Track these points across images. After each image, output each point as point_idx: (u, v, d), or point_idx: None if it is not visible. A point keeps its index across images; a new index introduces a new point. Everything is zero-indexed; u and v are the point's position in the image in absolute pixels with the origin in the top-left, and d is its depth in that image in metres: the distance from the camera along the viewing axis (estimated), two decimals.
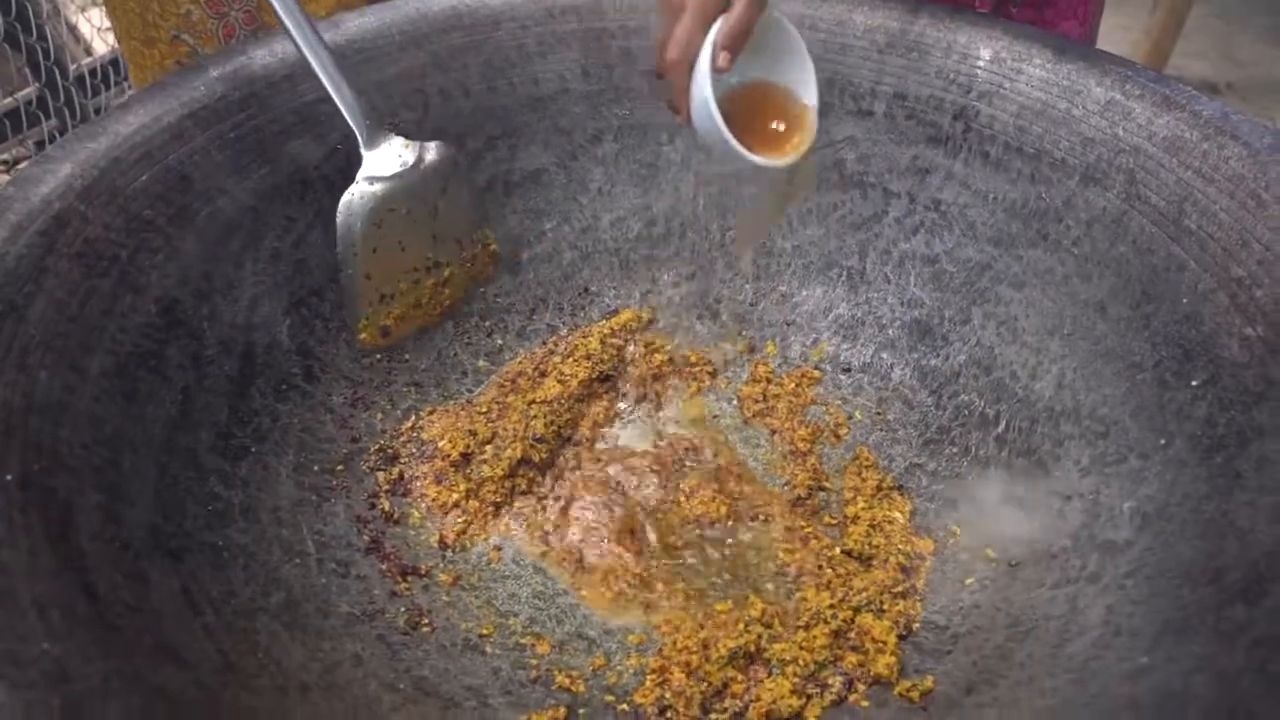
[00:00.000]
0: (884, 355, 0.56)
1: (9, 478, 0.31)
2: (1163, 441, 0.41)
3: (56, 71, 1.13)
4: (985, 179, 0.53)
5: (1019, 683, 0.36)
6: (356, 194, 0.48)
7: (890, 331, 0.56)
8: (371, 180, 0.48)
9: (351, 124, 0.48)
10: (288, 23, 0.46)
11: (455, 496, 0.48)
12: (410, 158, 0.50)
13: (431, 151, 0.50)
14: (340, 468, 0.47)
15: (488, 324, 0.57)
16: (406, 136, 0.50)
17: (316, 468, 0.46)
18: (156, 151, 0.45)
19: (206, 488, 0.40)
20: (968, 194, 0.54)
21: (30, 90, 1.22)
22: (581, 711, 0.40)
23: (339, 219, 0.48)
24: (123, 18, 0.69)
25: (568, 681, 0.41)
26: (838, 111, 0.58)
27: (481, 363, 0.56)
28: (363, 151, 0.48)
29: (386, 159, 0.49)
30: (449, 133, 0.56)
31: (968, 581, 0.44)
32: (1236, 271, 0.42)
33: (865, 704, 0.39)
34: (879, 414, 0.53)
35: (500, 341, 0.57)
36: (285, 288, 0.49)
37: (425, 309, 0.53)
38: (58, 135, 1.17)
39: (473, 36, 0.57)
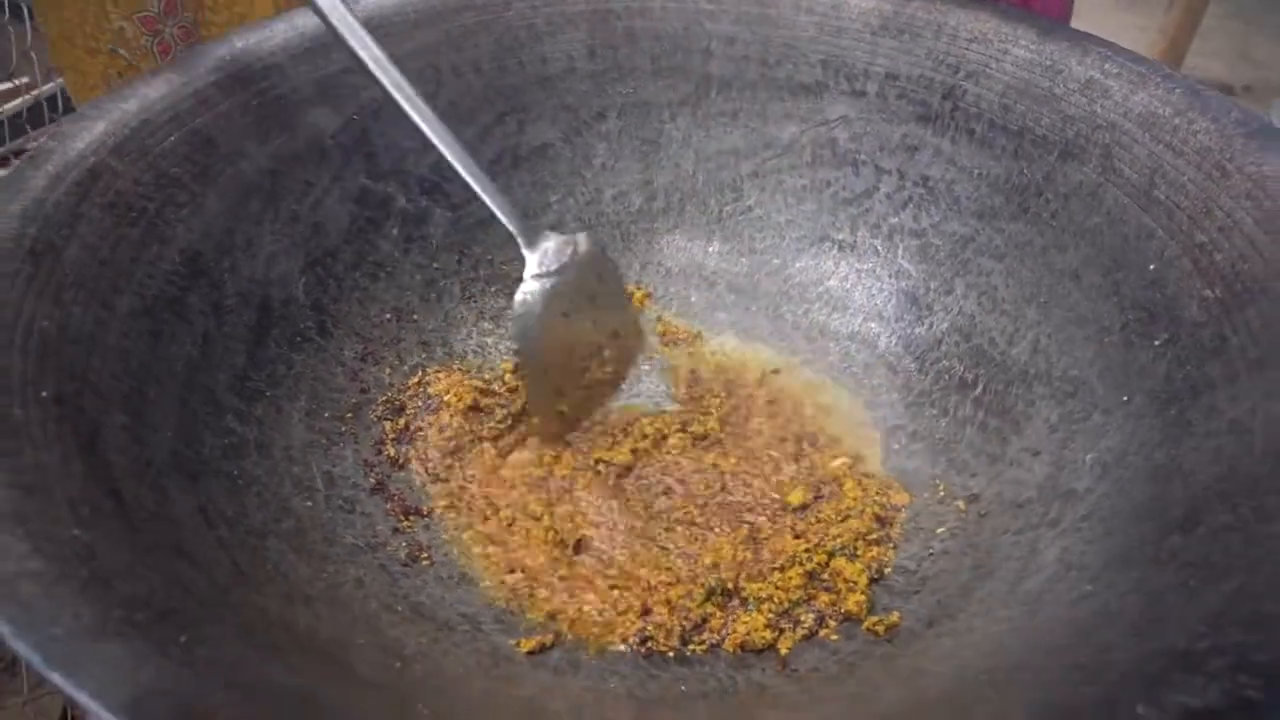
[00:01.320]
0: (871, 325, 0.58)
1: (45, 394, 0.34)
2: (1125, 398, 0.43)
3: None
4: (971, 155, 0.56)
5: (976, 614, 0.39)
6: (529, 293, 0.51)
7: (878, 301, 0.58)
8: (539, 277, 0.51)
9: (510, 228, 0.52)
10: (431, 134, 0.49)
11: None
12: (568, 252, 0.53)
13: (584, 242, 0.53)
14: (349, 415, 0.50)
15: (494, 289, 0.60)
16: (556, 230, 0.54)
17: (327, 414, 0.49)
18: (184, 115, 0.48)
19: (223, 423, 0.43)
20: (954, 170, 0.56)
21: (50, 87, 1.27)
22: (568, 638, 0.42)
23: (517, 321, 0.51)
24: (62, 26, 0.69)
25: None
26: (832, 91, 0.60)
27: (487, 324, 0.58)
28: (524, 252, 0.52)
29: (548, 256, 0.52)
30: (461, 107, 0.59)
31: (939, 530, 0.46)
32: (1199, 238, 0.44)
33: (835, 638, 0.42)
34: (864, 380, 0.56)
35: (505, 305, 0.60)
36: (302, 248, 0.52)
37: (593, 391, 0.55)
38: None
39: (484, 16, 0.59)
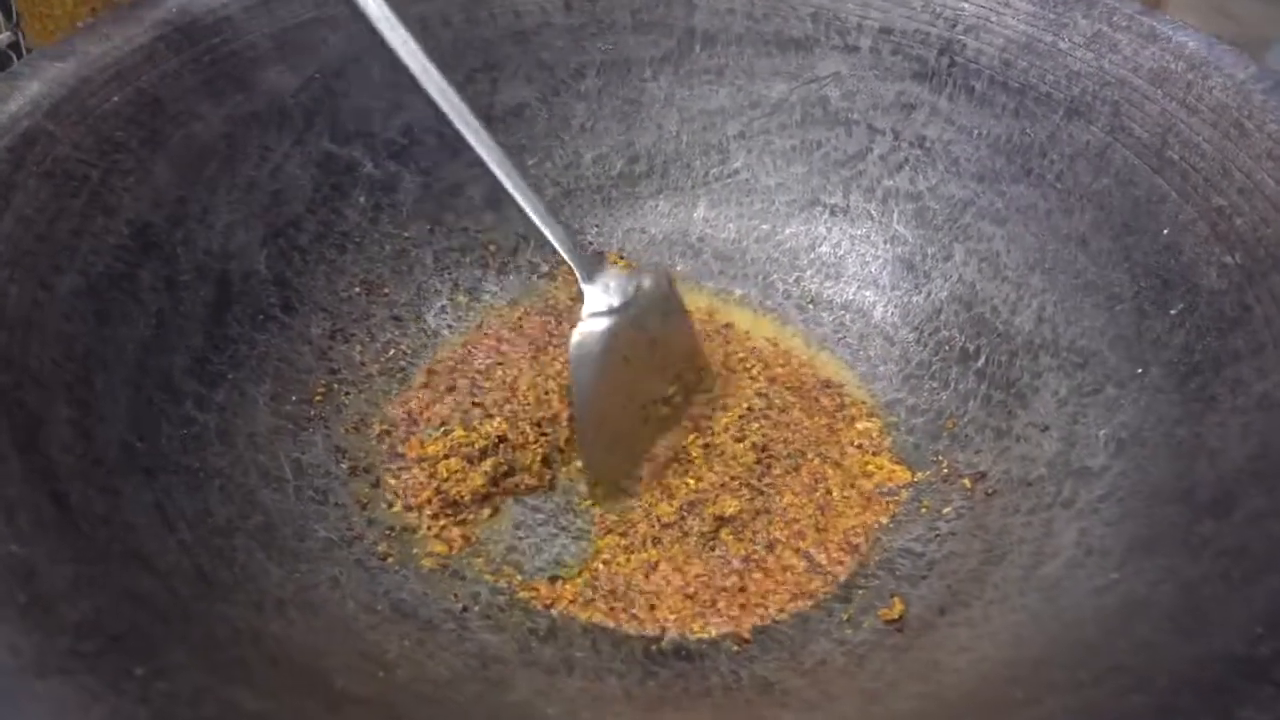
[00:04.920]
0: (866, 293, 0.56)
1: None
2: (1139, 370, 0.41)
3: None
4: (970, 114, 0.53)
5: (991, 602, 0.37)
6: (586, 332, 0.44)
7: (873, 269, 0.56)
8: (597, 315, 0.45)
9: (567, 259, 0.46)
10: (489, 159, 0.44)
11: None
12: (631, 287, 0.46)
13: (648, 277, 0.47)
14: (319, 398, 0.47)
15: (469, 259, 0.56)
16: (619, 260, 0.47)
17: (295, 397, 0.46)
18: (127, 73, 0.44)
19: (182, 411, 0.40)
20: (952, 130, 0.54)
21: (5, 36, 1.20)
22: (560, 631, 0.40)
23: (573, 363, 0.44)
24: None
25: (546, 604, 0.41)
26: (823, 46, 0.57)
27: (461, 298, 0.55)
28: (582, 286, 0.45)
29: (608, 291, 0.45)
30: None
31: (945, 510, 0.44)
32: (1217, 201, 0.42)
33: (847, 621, 0.40)
34: (860, 351, 0.53)
35: (480, 275, 0.56)
36: (262, 218, 0.49)
37: (648, 438, 0.48)
38: None
39: None
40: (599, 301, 0.45)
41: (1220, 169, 0.42)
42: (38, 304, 0.35)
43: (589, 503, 0.45)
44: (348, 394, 0.48)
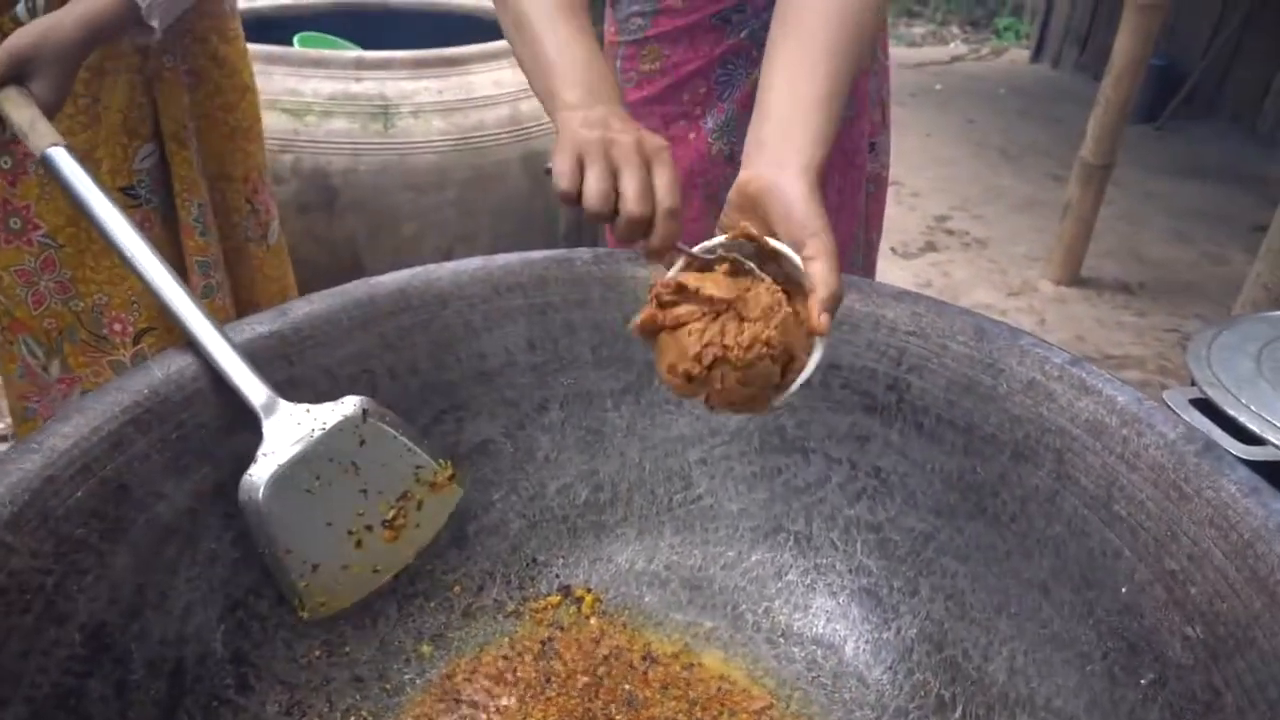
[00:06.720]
0: (837, 626, 0.55)
1: None
2: None
3: None
4: (921, 449, 0.55)
5: None
6: (255, 472, 0.46)
7: (841, 600, 0.56)
8: (269, 454, 0.47)
9: (245, 394, 0.47)
10: (169, 299, 0.49)
11: None
12: (312, 423, 0.48)
13: (337, 410, 0.49)
14: None
15: (433, 604, 0.56)
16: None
17: None
18: (94, 463, 0.44)
19: None
20: (906, 463, 0.55)
21: None
22: None
23: (241, 502, 0.46)
24: None
25: None
26: None
27: (426, 648, 0.54)
28: (263, 424, 0.47)
29: (285, 429, 0.47)
30: (398, 409, 0.57)
31: None
32: (1170, 565, 0.43)
33: None
34: (835, 693, 0.52)
35: (445, 621, 0.55)
36: (221, 590, 0.48)
37: (383, 564, 0.52)
38: None
39: (420, 317, 0.58)
40: (273, 440, 0.47)
41: (1168, 531, 0.43)
42: None
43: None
44: None
